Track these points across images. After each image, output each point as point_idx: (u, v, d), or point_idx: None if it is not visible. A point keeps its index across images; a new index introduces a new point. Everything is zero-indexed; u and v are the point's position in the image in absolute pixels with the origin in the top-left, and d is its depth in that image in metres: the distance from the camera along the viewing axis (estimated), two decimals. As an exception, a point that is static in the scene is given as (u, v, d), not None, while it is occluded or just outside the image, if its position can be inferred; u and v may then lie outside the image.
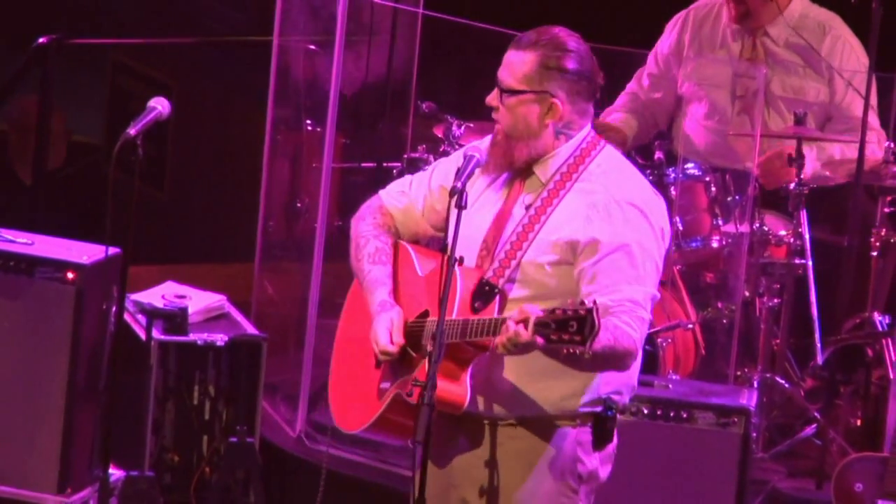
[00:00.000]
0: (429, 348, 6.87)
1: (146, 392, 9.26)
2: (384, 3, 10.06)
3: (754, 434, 8.70)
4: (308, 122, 10.02)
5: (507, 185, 7.21)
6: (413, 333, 7.10)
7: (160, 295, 9.48)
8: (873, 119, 9.49)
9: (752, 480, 8.73)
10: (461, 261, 6.94)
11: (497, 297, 6.92)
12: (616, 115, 9.79)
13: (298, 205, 10.16)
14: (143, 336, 9.32)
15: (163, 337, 9.31)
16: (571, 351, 6.63)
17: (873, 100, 9.45)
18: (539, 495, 7.18)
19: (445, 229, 6.97)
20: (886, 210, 9.51)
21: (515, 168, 7.15)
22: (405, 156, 9.93)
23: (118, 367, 8.68)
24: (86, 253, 8.92)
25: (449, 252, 6.86)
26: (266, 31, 10.16)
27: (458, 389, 6.99)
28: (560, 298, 6.84)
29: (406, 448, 8.80)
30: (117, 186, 7.57)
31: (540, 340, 6.57)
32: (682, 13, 9.70)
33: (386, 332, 7.07)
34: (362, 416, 7.27)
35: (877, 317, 9.47)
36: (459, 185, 6.83)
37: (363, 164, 10.19)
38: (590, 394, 7.08)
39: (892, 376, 9.21)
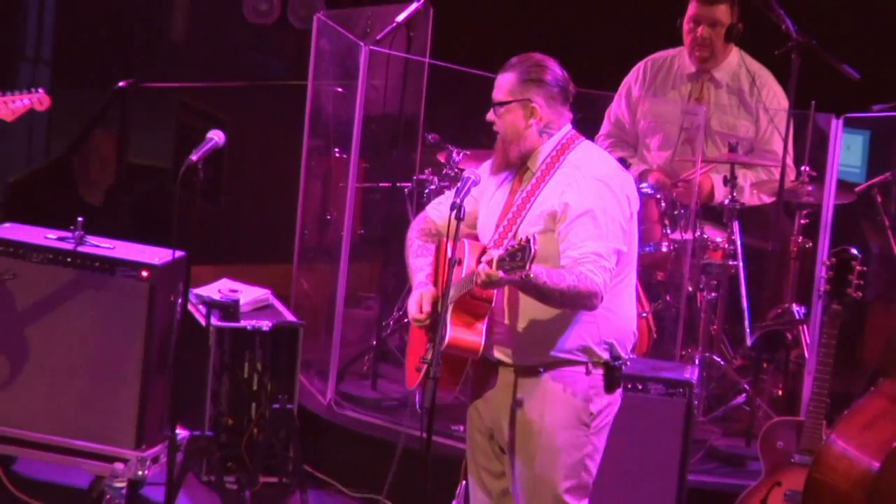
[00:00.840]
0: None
1: (206, 368, 9.18)
2: (397, 54, 9.89)
3: (696, 402, 8.64)
4: (336, 150, 9.93)
5: (511, 181, 7.34)
6: (440, 304, 7.18)
7: (217, 289, 9.41)
8: (793, 151, 9.40)
9: (694, 440, 8.62)
10: (460, 262, 7.18)
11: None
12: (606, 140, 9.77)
13: (328, 217, 10.06)
14: (203, 323, 9.22)
15: (219, 323, 9.20)
16: (521, 276, 6.73)
17: (793, 133, 9.34)
18: (557, 430, 7.18)
19: (476, 228, 7.40)
20: (802, 222, 9.41)
21: (513, 166, 7.30)
22: (414, 177, 9.83)
23: (183, 347, 8.77)
24: (157, 255, 8.82)
25: (449, 254, 7.11)
26: (302, 76, 10.10)
27: (473, 337, 7.09)
28: (546, 261, 6.95)
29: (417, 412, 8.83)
30: (182, 201, 7.54)
31: (501, 273, 6.71)
32: (640, 64, 9.60)
33: (416, 303, 7.27)
34: (414, 377, 7.39)
35: (795, 307, 9.39)
36: (458, 201, 7.06)
37: (380, 184, 10.05)
38: (597, 342, 7.15)
39: (807, 355, 9.13)
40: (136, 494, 8.89)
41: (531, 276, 6.75)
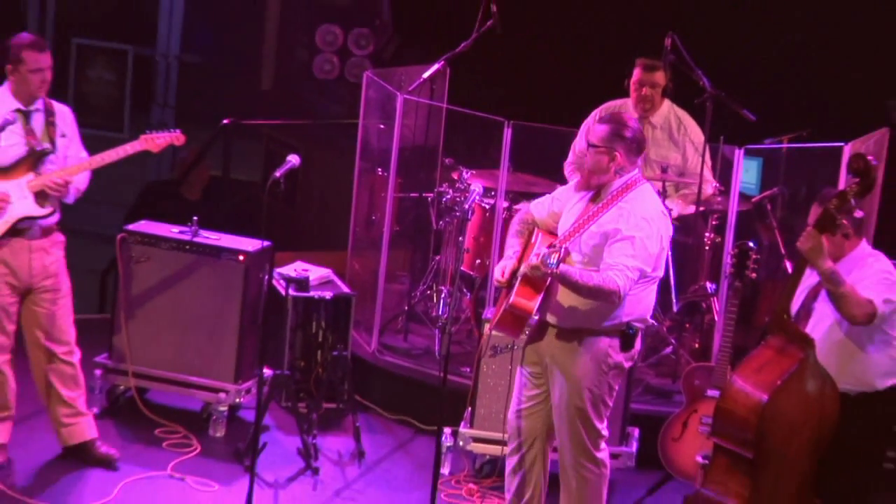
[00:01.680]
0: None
1: (284, 325, 9.20)
2: (423, 101, 9.93)
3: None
4: (379, 169, 9.90)
5: (587, 199, 7.35)
6: (516, 274, 7.29)
7: (293, 269, 9.41)
8: (708, 173, 9.34)
9: (634, 378, 8.67)
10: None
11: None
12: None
13: (373, 217, 10.03)
14: (283, 293, 9.26)
15: (294, 293, 9.21)
16: (552, 272, 6.98)
17: (708, 160, 9.33)
18: (585, 372, 7.30)
19: (557, 223, 7.41)
20: (713, 223, 9.42)
21: (592, 188, 7.32)
22: (435, 190, 9.78)
23: (268, 311, 9.01)
24: (250, 244, 8.85)
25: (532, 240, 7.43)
26: (354, 117, 10.07)
27: (529, 304, 7.20)
28: (594, 264, 7.15)
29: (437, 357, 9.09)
30: (268, 206, 7.54)
31: (541, 266, 6.94)
32: (596, 110, 9.40)
33: (500, 270, 7.37)
34: (494, 319, 7.44)
35: (708, 284, 9.41)
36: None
37: (411, 194, 10.03)
38: (617, 319, 7.25)
39: (716, 319, 9.13)
40: (235, 415, 9.00)
41: (559, 273, 6.95)
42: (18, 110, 7.88)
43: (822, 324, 7.23)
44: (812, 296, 7.28)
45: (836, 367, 7.14)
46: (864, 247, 7.26)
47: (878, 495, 7.46)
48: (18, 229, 7.87)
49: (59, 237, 8.13)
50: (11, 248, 7.90)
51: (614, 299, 7.12)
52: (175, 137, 8.20)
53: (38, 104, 7.96)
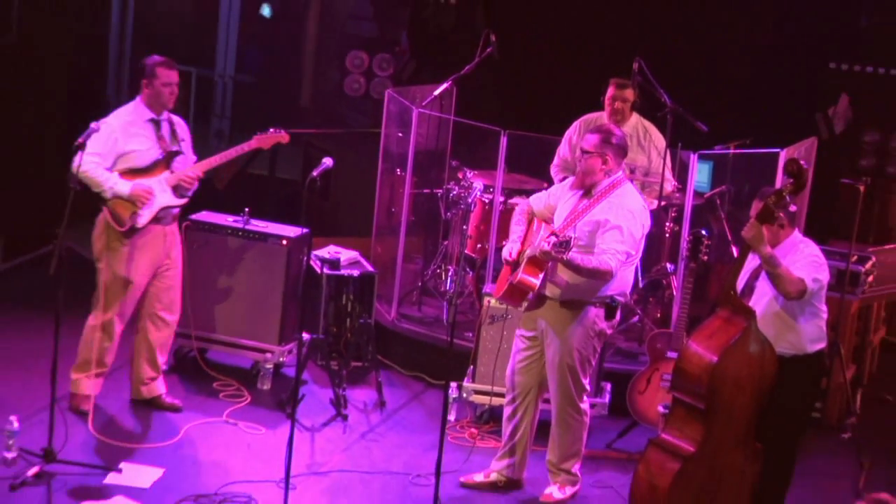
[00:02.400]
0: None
1: (320, 298, 9.14)
2: (434, 114, 9.89)
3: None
4: (398, 170, 9.85)
5: (580, 195, 7.38)
6: (522, 255, 7.33)
7: (327, 252, 9.35)
8: (668, 173, 9.28)
9: (607, 343, 8.52)
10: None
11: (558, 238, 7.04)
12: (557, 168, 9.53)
13: (392, 210, 9.98)
14: (318, 271, 9.19)
15: (328, 272, 9.16)
16: (562, 257, 6.99)
17: (669, 163, 9.29)
18: (576, 336, 7.38)
19: (552, 215, 7.44)
20: (672, 214, 9.34)
21: (584, 187, 7.35)
22: (444, 187, 9.75)
23: (307, 285, 8.92)
24: (292, 231, 8.83)
25: (536, 227, 7.43)
26: (378, 127, 10.02)
27: (533, 280, 7.23)
28: (589, 248, 7.18)
29: (445, 325, 8.94)
30: (307, 200, 7.37)
31: (552, 252, 6.95)
32: (577, 122, 9.43)
33: (508, 251, 7.42)
34: (499, 293, 7.49)
35: (668, 265, 9.35)
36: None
37: (424, 190, 9.98)
38: (603, 293, 7.33)
39: (675, 294, 9.06)
40: (279, 372, 8.95)
41: (567, 258, 6.99)
42: (151, 119, 7.96)
43: (762, 299, 7.20)
44: (754, 276, 7.26)
45: (774, 334, 7.12)
46: (797, 235, 7.24)
47: (805, 438, 7.52)
48: (157, 217, 7.95)
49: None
50: (152, 235, 7.98)
51: (608, 278, 7.24)
52: (281, 137, 8.25)
53: (165, 115, 8.05)
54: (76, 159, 7.62)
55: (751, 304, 7.20)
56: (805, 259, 7.13)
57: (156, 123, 7.98)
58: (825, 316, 7.26)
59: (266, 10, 13.48)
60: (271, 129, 8.24)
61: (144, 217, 7.89)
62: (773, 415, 7.14)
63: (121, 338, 8.13)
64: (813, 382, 7.40)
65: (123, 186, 7.84)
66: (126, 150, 7.88)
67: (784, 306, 7.12)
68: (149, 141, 7.94)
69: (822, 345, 7.27)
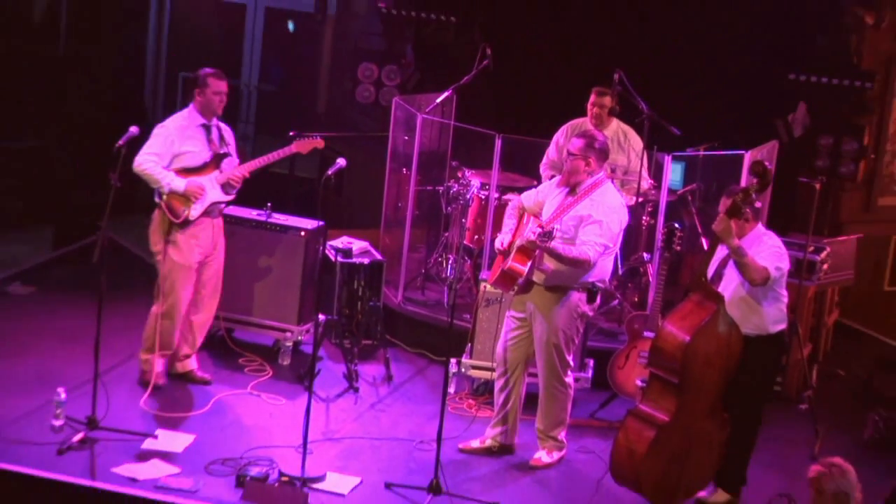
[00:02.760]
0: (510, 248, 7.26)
1: (334, 283, 9.10)
2: (436, 119, 9.83)
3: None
4: (404, 169, 9.81)
5: (566, 192, 7.36)
6: (512, 245, 7.29)
7: (340, 242, 9.30)
8: (645, 172, 9.23)
9: (590, 324, 8.49)
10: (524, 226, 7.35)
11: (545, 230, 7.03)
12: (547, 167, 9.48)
13: (399, 204, 9.92)
14: (333, 259, 9.15)
15: (342, 260, 9.11)
16: (545, 246, 7.01)
17: (646, 163, 9.23)
18: (561, 317, 7.37)
19: (540, 210, 7.40)
20: (649, 209, 9.30)
21: (570, 185, 7.34)
22: (445, 184, 9.70)
23: (323, 272, 8.88)
24: (309, 223, 8.79)
25: (526, 222, 7.33)
26: (386, 131, 9.97)
27: (521, 267, 7.20)
28: (572, 241, 7.14)
29: (446, 307, 8.93)
30: (322, 196, 7.54)
31: (538, 242, 6.98)
32: (564, 126, 9.38)
33: (499, 241, 7.39)
34: (493, 278, 7.45)
35: (645, 254, 9.32)
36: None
37: (427, 187, 9.93)
38: (584, 279, 7.31)
39: (651, 280, 9.01)
40: (297, 349, 8.92)
41: (550, 247, 7.00)
42: (203, 125, 8.00)
43: (730, 285, 7.21)
44: (723, 264, 7.27)
45: (740, 316, 7.14)
46: (760, 228, 7.25)
47: (768, 409, 7.50)
48: (207, 211, 7.99)
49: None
50: (203, 226, 8.01)
51: (587, 266, 7.22)
52: (317, 143, 8.25)
53: (214, 121, 8.09)
54: (136, 159, 7.78)
55: (720, 289, 7.20)
56: (768, 249, 7.14)
57: (206, 128, 8.02)
58: (786, 300, 7.27)
59: (291, 26, 13.43)
60: (308, 136, 8.27)
61: (197, 210, 7.95)
62: (740, 388, 7.16)
63: (184, 321, 8.16)
64: (774, 359, 7.43)
65: (179, 183, 7.90)
66: (181, 151, 7.96)
67: (749, 291, 7.13)
68: (200, 143, 7.99)
69: (783, 325, 7.28)
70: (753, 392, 7.25)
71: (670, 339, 7.05)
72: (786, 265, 7.17)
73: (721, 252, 7.22)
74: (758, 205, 7.18)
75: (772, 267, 7.06)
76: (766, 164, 7.07)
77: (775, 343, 7.27)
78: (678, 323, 7.07)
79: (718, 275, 7.26)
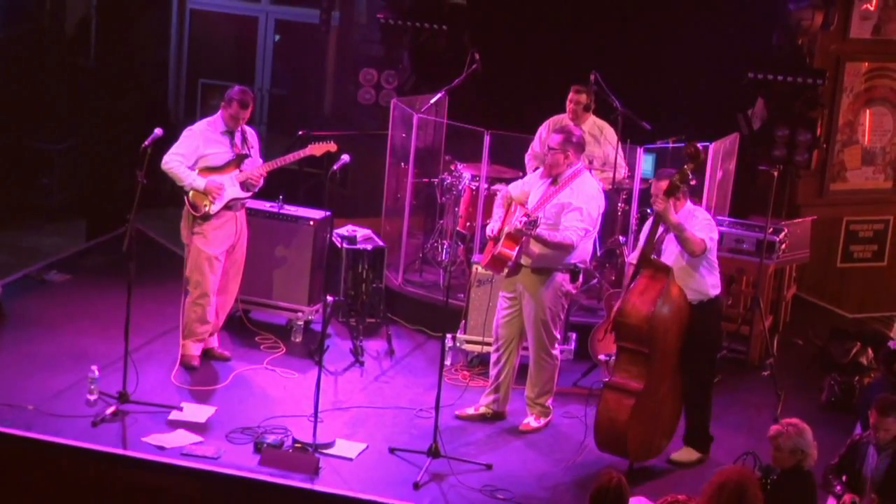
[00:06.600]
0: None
1: (340, 267, 9.01)
2: (431, 118, 9.75)
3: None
4: (402, 163, 9.74)
5: (548, 183, 7.37)
6: (502, 232, 7.28)
7: (346, 230, 9.22)
8: (622, 161, 9.14)
9: (573, 301, 8.34)
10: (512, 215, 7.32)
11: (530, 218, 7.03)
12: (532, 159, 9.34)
13: (398, 195, 9.85)
14: (339, 245, 9.06)
15: (347, 246, 9.03)
16: (531, 233, 6.99)
17: (621, 155, 9.13)
18: (547, 296, 7.38)
19: (526, 199, 7.38)
20: (623, 196, 9.22)
21: (551, 176, 7.35)
22: (439, 177, 9.63)
23: (339, 258, 8.81)
24: (318, 214, 8.78)
25: (513, 210, 7.33)
26: (386, 129, 9.91)
27: (510, 252, 7.20)
28: (555, 226, 7.15)
29: (442, 288, 8.88)
30: (329, 189, 7.52)
31: (523, 229, 6.99)
32: (546, 121, 9.21)
33: (490, 229, 7.42)
34: (485, 262, 7.49)
35: (620, 237, 9.26)
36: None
37: (423, 180, 9.82)
38: (567, 261, 7.31)
39: (627, 261, 8.78)
40: (308, 327, 8.86)
41: (535, 233, 6.99)
42: (226, 132, 8.02)
43: (670, 258, 7.30)
44: (661, 240, 7.32)
45: (683, 284, 7.24)
46: (689, 204, 7.35)
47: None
48: (228, 206, 7.99)
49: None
50: (225, 219, 8.00)
51: (569, 249, 7.23)
52: (330, 146, 8.21)
53: (239, 127, 8.09)
54: (164, 158, 7.84)
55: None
56: (701, 223, 7.22)
57: (230, 134, 8.04)
58: (717, 266, 7.33)
59: (277, 38, 13.28)
60: (324, 142, 8.26)
61: (216, 206, 7.95)
62: (691, 352, 7.23)
63: (217, 306, 8.13)
64: (716, 321, 7.48)
65: (200, 182, 7.92)
66: (205, 153, 7.96)
67: (689, 261, 7.21)
68: (223, 146, 8.01)
69: (719, 290, 7.35)
70: (703, 353, 7.29)
71: (634, 312, 7.07)
72: (717, 235, 7.29)
73: (646, 230, 7.29)
74: (693, 183, 7.28)
75: (707, 238, 7.15)
76: (699, 146, 7.14)
77: (715, 306, 7.33)
78: (639, 298, 7.10)
79: (658, 250, 7.29)
